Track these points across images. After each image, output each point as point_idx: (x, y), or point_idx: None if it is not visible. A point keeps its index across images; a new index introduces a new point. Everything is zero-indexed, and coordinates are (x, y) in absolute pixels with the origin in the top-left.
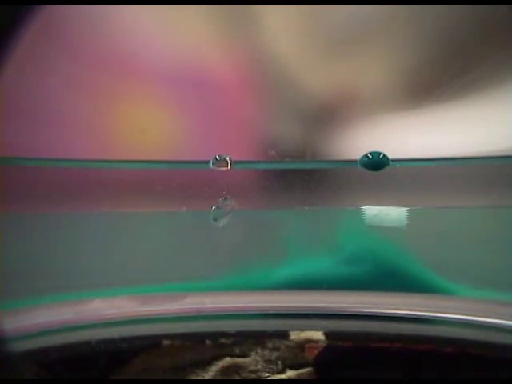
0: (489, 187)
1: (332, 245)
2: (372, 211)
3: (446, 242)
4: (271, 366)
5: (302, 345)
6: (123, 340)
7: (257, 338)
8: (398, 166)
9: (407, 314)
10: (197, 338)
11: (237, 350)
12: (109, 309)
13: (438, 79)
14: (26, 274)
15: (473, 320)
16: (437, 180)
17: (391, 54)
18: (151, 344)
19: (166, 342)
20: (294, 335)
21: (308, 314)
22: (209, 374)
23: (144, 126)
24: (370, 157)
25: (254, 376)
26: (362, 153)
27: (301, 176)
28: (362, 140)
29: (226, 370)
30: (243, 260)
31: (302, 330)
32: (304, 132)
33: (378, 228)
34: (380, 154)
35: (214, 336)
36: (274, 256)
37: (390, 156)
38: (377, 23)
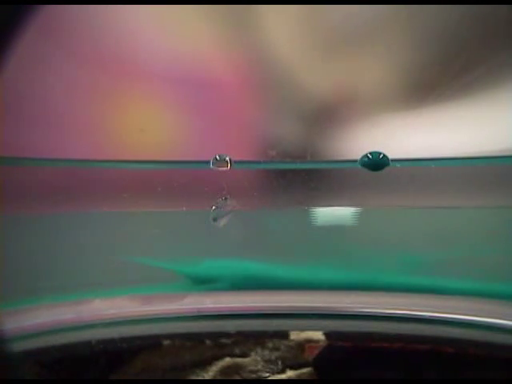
0: (489, 187)
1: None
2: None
3: (446, 241)
4: (271, 366)
5: (302, 345)
6: (123, 340)
7: (257, 338)
8: (398, 165)
9: (407, 314)
10: (197, 338)
11: (237, 350)
12: (109, 309)
13: (438, 79)
14: (26, 273)
15: (473, 320)
16: (437, 180)
17: (391, 53)
18: (151, 344)
19: (166, 342)
20: (294, 335)
21: (308, 314)
22: (209, 374)
23: (144, 126)
24: (370, 157)
25: (254, 376)
26: (362, 153)
27: (301, 176)
28: (362, 140)
29: (225, 370)
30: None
31: (302, 330)
32: (304, 132)
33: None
34: (380, 154)
35: (214, 336)
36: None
37: (390, 156)
38: (377, 23)
